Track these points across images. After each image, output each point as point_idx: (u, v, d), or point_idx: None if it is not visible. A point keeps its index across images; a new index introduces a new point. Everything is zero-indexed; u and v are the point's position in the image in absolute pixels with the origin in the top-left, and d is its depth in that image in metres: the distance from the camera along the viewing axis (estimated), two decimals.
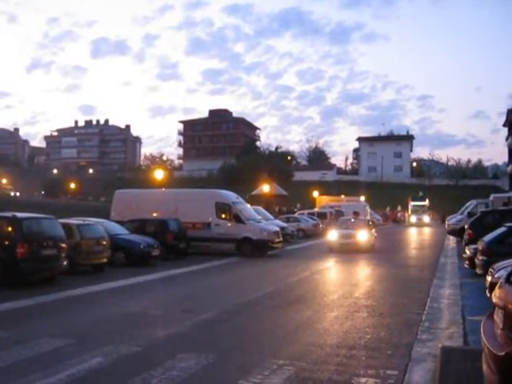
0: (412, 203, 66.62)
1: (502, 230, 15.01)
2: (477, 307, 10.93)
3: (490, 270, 10.99)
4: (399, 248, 30.53)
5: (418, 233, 48.42)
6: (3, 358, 7.45)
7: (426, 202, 67.78)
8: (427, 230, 51.88)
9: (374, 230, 29.96)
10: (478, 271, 14.54)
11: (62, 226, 16.07)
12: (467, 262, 16.61)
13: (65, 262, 15.38)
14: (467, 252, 16.83)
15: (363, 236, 26.49)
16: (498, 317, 5.12)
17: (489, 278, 10.75)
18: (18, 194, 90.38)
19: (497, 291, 5.50)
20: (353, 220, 30.73)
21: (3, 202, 53.19)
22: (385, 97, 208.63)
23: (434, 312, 11.11)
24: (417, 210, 64.86)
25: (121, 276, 16.78)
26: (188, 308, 11.63)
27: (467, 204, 35.14)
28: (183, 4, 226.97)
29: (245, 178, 77.18)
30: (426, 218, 63.82)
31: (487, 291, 10.43)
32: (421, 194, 75.55)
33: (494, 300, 5.38)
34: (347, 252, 24.93)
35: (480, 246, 14.85)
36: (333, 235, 27.11)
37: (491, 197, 33.34)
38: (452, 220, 34.83)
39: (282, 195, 57.00)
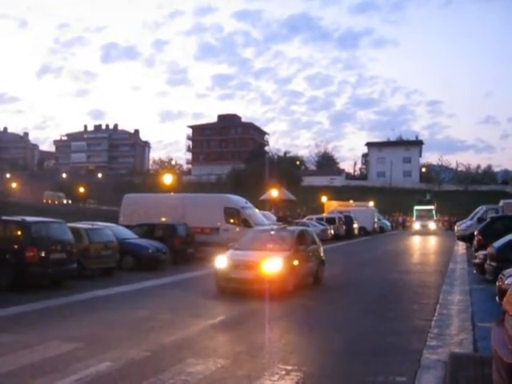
0: (416, 207, 58.11)
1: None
2: (487, 313, 10.87)
3: (500, 275, 10.95)
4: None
5: (422, 242, 43.60)
6: (11, 362, 7.47)
7: (434, 207, 59.31)
8: (433, 239, 46.43)
9: (321, 250, 17.48)
10: (488, 277, 14.48)
11: (71, 230, 16.12)
12: (477, 268, 16.52)
13: (73, 266, 15.43)
14: (477, 258, 16.75)
15: (275, 265, 13.55)
16: (508, 323, 5.08)
17: (499, 284, 10.70)
18: (69, 201, 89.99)
19: (507, 297, 5.46)
20: (273, 232, 16.50)
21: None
22: (394, 102, 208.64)
23: (444, 318, 11.04)
24: (422, 216, 56.11)
25: (129, 280, 16.81)
26: (196, 313, 11.61)
27: (477, 210, 34.93)
28: (193, 10, 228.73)
29: (253, 182, 77.10)
30: (432, 225, 55.47)
31: (497, 297, 10.38)
32: (428, 196, 72.50)
33: (505, 306, 5.34)
34: (242, 297, 13.35)
35: (490, 251, 14.78)
36: (221, 262, 14.33)
37: (501, 202, 33.17)
38: (462, 226, 34.66)
39: (290, 200, 56.87)
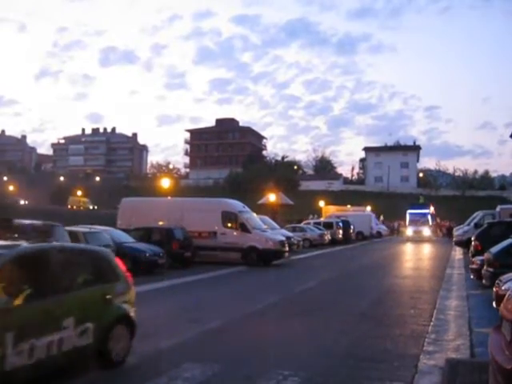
0: (410, 211, 53.10)
1: (509, 241, 14.91)
2: (484, 319, 10.88)
3: (497, 281, 10.94)
4: None
5: (419, 247, 42.81)
6: None
7: (429, 210, 54.39)
8: (430, 244, 44.83)
9: (125, 294, 8.07)
10: (485, 283, 14.48)
11: (69, 234, 16.10)
12: (474, 274, 16.54)
13: None
14: (474, 263, 16.77)
15: None
16: (505, 329, 5.08)
17: (496, 290, 10.71)
18: (95, 207, 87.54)
19: (504, 303, 5.46)
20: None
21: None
22: (392, 107, 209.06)
23: (441, 324, 11.04)
24: (416, 221, 51.11)
25: None
26: (193, 317, 11.57)
27: (474, 215, 34.98)
28: (192, 14, 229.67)
29: (251, 187, 77.25)
30: (427, 231, 50.40)
31: (494, 303, 10.39)
32: (421, 199, 70.72)
33: (502, 312, 5.35)
34: None
35: (487, 257, 14.79)
36: None
37: (498, 208, 33.19)
38: (458, 231, 34.70)
39: (288, 204, 56.81)
